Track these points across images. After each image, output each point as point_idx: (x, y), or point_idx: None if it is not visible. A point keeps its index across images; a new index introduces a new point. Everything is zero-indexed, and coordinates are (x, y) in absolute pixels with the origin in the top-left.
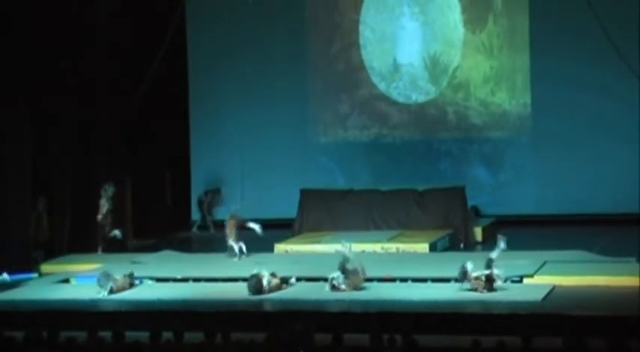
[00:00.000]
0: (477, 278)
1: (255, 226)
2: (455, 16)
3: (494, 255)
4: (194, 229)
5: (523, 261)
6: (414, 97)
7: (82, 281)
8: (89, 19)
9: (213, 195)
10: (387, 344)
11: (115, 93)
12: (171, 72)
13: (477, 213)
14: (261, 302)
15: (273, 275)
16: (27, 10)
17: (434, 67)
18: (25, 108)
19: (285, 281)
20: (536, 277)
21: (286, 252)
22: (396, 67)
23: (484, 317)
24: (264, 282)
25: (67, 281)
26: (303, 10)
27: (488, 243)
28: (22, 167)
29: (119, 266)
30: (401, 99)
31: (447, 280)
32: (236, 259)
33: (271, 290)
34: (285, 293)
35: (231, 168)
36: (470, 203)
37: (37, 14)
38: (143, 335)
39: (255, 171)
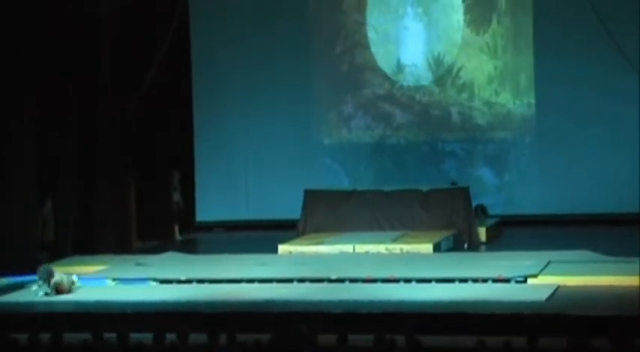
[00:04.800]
0: None
1: None
2: (458, 16)
3: None
4: None
5: (527, 261)
6: (417, 98)
7: (86, 282)
8: (90, 19)
9: None
10: (391, 344)
11: (117, 94)
12: (174, 72)
13: (483, 211)
14: (265, 304)
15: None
16: (27, 10)
17: (437, 67)
18: (27, 110)
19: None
20: (540, 277)
21: (290, 253)
22: (399, 68)
23: (488, 318)
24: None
25: None
26: (306, 10)
27: (493, 244)
28: (25, 168)
29: (124, 268)
30: (405, 100)
31: (451, 280)
32: None
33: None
34: (290, 293)
35: (234, 168)
36: (475, 203)
37: (37, 14)
38: (147, 337)
39: (258, 171)
